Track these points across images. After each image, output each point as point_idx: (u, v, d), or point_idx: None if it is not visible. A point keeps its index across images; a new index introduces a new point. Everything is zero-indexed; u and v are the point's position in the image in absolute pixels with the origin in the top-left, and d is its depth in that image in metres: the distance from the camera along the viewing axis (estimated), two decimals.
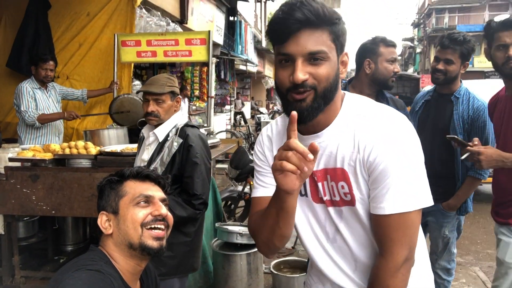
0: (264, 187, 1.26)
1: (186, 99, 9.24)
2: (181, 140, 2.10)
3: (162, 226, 1.30)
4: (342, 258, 1.19)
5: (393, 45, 2.41)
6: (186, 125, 2.18)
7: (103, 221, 1.30)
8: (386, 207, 1.05)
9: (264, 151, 1.27)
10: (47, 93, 3.90)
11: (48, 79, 3.83)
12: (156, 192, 1.34)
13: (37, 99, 3.76)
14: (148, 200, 1.31)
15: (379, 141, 1.06)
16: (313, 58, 1.02)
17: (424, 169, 1.09)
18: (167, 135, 2.14)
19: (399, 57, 52.28)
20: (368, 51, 2.40)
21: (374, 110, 1.12)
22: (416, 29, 38.47)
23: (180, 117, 2.24)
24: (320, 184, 1.15)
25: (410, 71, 41.12)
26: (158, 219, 1.29)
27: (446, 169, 2.54)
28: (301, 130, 1.14)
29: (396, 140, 1.06)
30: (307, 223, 1.23)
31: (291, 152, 0.93)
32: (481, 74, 26.69)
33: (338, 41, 1.06)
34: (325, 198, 1.16)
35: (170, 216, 1.34)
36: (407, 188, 1.05)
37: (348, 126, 1.11)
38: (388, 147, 1.05)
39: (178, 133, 2.12)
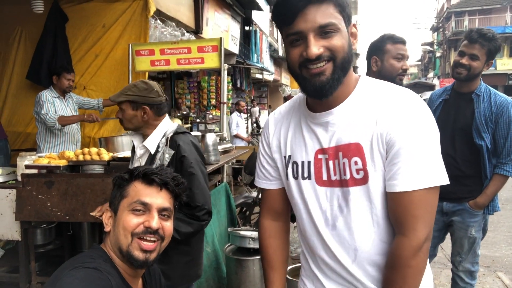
0: (268, 179, 1.31)
1: (241, 114, 9.42)
2: (172, 152, 1.97)
3: (153, 239, 1.23)
4: (340, 247, 1.15)
5: (401, 41, 2.36)
6: (176, 132, 2.05)
7: (107, 217, 1.28)
8: (410, 182, 1.02)
9: (269, 139, 1.28)
10: (65, 102, 4.02)
11: (69, 89, 4.00)
12: (157, 200, 1.26)
13: (56, 107, 3.88)
14: (144, 208, 1.24)
15: (399, 115, 1.05)
16: (324, 31, 1.02)
17: (439, 148, 1.08)
18: (158, 146, 2.02)
19: (419, 62, 51.60)
20: (375, 49, 2.37)
21: (392, 88, 1.12)
22: (435, 33, 37.94)
23: (168, 125, 2.10)
24: (331, 163, 1.12)
25: (431, 75, 40.50)
26: (149, 231, 1.22)
27: (471, 168, 2.47)
28: (314, 107, 1.15)
29: (416, 117, 1.05)
30: (305, 209, 1.20)
31: None
32: (504, 77, 26.05)
33: (345, 12, 1.05)
34: (333, 178, 1.13)
35: (167, 228, 1.27)
36: (431, 164, 1.04)
37: (365, 101, 1.10)
38: (409, 122, 1.04)
39: (168, 143, 2.00)
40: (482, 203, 2.45)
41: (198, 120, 8.31)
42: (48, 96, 3.85)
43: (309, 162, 1.16)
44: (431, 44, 39.88)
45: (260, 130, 8.93)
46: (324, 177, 1.14)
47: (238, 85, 11.53)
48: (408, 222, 1.04)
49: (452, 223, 2.57)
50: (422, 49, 43.81)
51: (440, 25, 34.81)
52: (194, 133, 3.78)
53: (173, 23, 5.57)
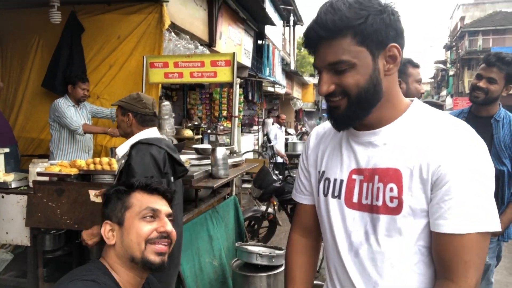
0: (303, 193, 1.30)
1: (281, 127, 9.46)
2: (123, 160, 2.10)
3: (166, 243, 1.28)
4: (360, 277, 1.08)
5: (418, 66, 2.43)
6: (140, 142, 2.12)
7: (107, 230, 1.29)
8: (463, 224, 0.94)
9: (308, 153, 1.27)
10: (80, 111, 4.08)
11: (84, 98, 4.07)
12: (163, 207, 1.33)
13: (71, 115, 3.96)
14: (154, 214, 1.29)
15: (454, 148, 0.96)
16: (335, 69, 1.00)
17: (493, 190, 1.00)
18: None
19: (432, 80, 51.41)
20: (398, 71, 2.39)
21: (445, 117, 1.05)
22: (449, 51, 37.83)
23: (145, 135, 2.21)
24: (365, 185, 1.06)
25: (444, 93, 40.27)
26: (163, 236, 1.27)
27: None
28: (358, 126, 1.10)
29: (473, 152, 0.97)
30: (330, 229, 1.15)
31: None
32: None
33: (369, 40, 0.98)
34: (364, 202, 1.06)
35: (174, 233, 1.32)
36: (486, 206, 0.96)
37: (414, 127, 1.03)
38: (465, 157, 0.96)
39: (128, 151, 2.10)
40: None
41: (209, 131, 8.35)
42: (64, 104, 3.93)
43: (341, 181, 1.11)
44: (444, 62, 39.74)
45: (270, 143, 8.91)
46: (355, 199, 1.08)
47: (250, 98, 11.58)
48: (458, 268, 0.96)
49: None
50: (435, 67, 43.64)
51: (454, 43, 34.72)
52: (202, 145, 3.79)
53: (187, 36, 5.63)
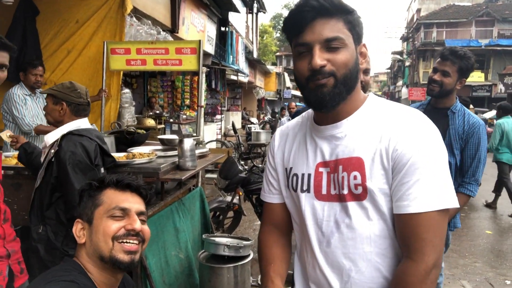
0: (272, 193, 1.30)
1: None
2: (53, 150, 2.08)
3: (135, 242, 1.24)
4: (332, 267, 1.11)
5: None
6: (71, 132, 2.12)
7: (78, 229, 1.25)
8: (419, 204, 0.99)
9: (274, 152, 1.29)
10: (36, 100, 3.84)
11: (38, 85, 3.81)
12: (134, 205, 1.28)
13: (28, 106, 3.71)
14: (123, 213, 1.24)
15: (408, 133, 1.03)
16: (330, 45, 1.03)
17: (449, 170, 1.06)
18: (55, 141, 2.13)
19: (389, 70, 53.00)
20: None
21: (399, 106, 1.12)
22: (405, 42, 39.09)
23: (76, 125, 2.19)
24: (332, 176, 1.11)
25: (399, 84, 41.71)
26: (131, 233, 1.23)
27: None
28: (320, 121, 1.15)
29: (427, 136, 1.03)
30: (301, 223, 1.18)
31: None
32: (468, 89, 27.14)
33: (355, 30, 1.06)
34: (333, 193, 1.10)
35: (146, 230, 1.28)
36: (440, 186, 1.01)
37: (371, 118, 1.10)
38: (420, 141, 1.02)
39: (58, 141, 2.09)
40: None
41: (171, 120, 8.18)
42: (20, 95, 3.67)
43: (309, 175, 1.15)
44: (400, 53, 41.05)
45: (236, 133, 8.84)
46: (324, 191, 1.12)
47: (213, 86, 11.46)
48: (416, 245, 1.01)
49: None
50: (392, 57, 45.05)
51: (410, 35, 35.89)
52: (168, 136, 3.70)
53: (149, 21, 5.46)
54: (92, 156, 2.11)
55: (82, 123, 2.24)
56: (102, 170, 2.20)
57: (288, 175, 1.22)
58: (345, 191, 1.07)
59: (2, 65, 1.74)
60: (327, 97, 1.05)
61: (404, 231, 1.03)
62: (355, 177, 1.06)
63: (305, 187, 1.15)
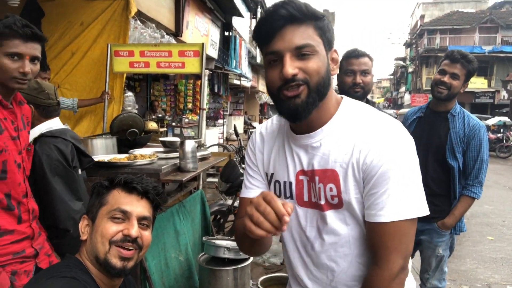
0: (252, 188, 1.27)
1: None
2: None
3: (131, 248, 1.22)
4: (319, 268, 1.16)
5: (354, 56, 2.39)
6: (42, 135, 1.97)
7: (83, 225, 1.26)
8: (384, 214, 1.02)
9: (255, 151, 1.27)
10: None
11: None
12: (137, 208, 1.25)
13: None
14: (124, 216, 1.22)
15: (377, 145, 1.04)
16: (301, 52, 1.02)
17: (421, 178, 1.07)
18: None
19: (392, 76, 52.96)
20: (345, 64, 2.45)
21: (372, 115, 1.11)
22: (409, 49, 39.12)
23: (48, 125, 2.04)
24: (311, 185, 1.12)
25: (402, 90, 41.68)
26: (127, 239, 1.21)
27: (441, 188, 2.51)
28: (295, 129, 1.15)
29: (395, 146, 1.04)
30: (288, 228, 1.17)
31: (270, 208, 0.89)
32: (471, 95, 27.10)
33: (325, 37, 1.06)
34: (313, 200, 1.13)
35: (146, 237, 1.26)
36: (407, 196, 1.03)
37: (344, 127, 1.09)
38: (387, 152, 1.03)
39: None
40: (450, 224, 2.50)
41: (173, 124, 8.21)
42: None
43: (290, 183, 1.17)
44: (404, 59, 41.07)
45: (237, 137, 8.83)
46: (305, 198, 1.15)
47: (216, 90, 11.49)
48: (381, 252, 1.05)
49: (420, 241, 2.61)
50: (395, 63, 45.03)
51: (413, 41, 35.93)
52: (170, 138, 3.71)
53: (153, 25, 5.49)
54: (69, 158, 1.97)
55: (54, 124, 2.11)
56: (80, 171, 2.07)
57: (269, 180, 1.23)
58: (322, 202, 1.10)
59: (34, 58, 1.65)
60: (299, 109, 1.04)
61: (372, 238, 1.07)
62: (330, 189, 1.08)
63: (288, 194, 1.18)
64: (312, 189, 1.12)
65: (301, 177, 1.14)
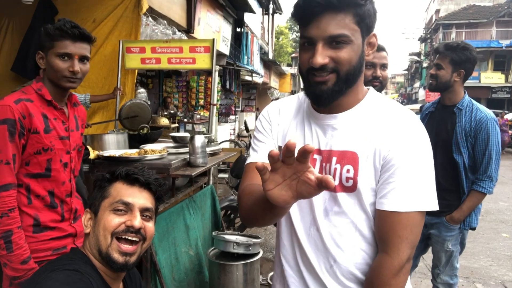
0: (260, 154, 1.20)
1: None
2: None
3: (135, 239, 1.21)
4: (317, 253, 1.13)
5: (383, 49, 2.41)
6: None
7: (86, 219, 1.26)
8: (401, 204, 1.04)
9: (271, 121, 1.22)
10: None
11: None
12: (139, 200, 1.24)
13: None
14: (126, 208, 1.22)
15: (401, 136, 1.06)
16: (335, 41, 1.01)
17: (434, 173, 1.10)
18: None
19: (406, 72, 52.30)
20: None
21: (398, 107, 1.13)
22: (423, 44, 38.54)
23: None
24: (324, 165, 1.12)
25: (417, 85, 41.12)
26: (130, 230, 1.20)
27: (450, 182, 2.49)
28: (320, 108, 1.14)
29: (418, 140, 1.07)
30: (293, 208, 1.15)
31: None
32: (488, 90, 26.59)
33: (364, 23, 1.04)
34: None
35: (149, 229, 1.25)
36: (424, 188, 1.05)
37: (370, 114, 1.10)
38: (409, 145, 1.06)
39: None
40: (458, 218, 2.48)
41: (185, 120, 8.25)
42: None
43: None
44: (418, 54, 40.48)
45: (248, 132, 8.85)
46: None
47: (227, 87, 11.51)
48: (392, 242, 1.05)
49: (430, 235, 2.61)
50: (410, 59, 44.43)
51: (428, 36, 35.38)
52: (182, 133, 3.74)
53: (165, 21, 5.52)
54: None
55: None
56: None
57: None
58: (336, 183, 1.09)
59: (83, 57, 1.73)
60: (324, 95, 1.05)
61: (383, 226, 1.07)
62: (347, 171, 1.08)
63: None
64: (323, 169, 1.11)
65: (315, 156, 1.13)
